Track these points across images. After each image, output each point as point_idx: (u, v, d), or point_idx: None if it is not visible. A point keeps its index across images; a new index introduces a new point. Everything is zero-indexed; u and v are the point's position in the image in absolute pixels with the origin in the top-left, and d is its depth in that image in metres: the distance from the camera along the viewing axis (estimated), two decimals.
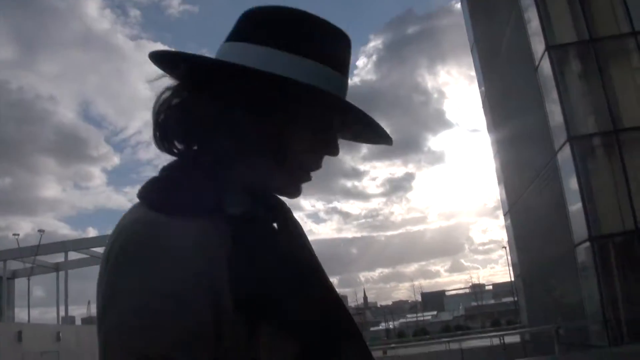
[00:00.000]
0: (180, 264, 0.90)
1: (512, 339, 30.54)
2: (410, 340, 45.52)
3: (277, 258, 1.04)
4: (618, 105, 21.17)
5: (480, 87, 35.15)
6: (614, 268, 20.17)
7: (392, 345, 34.41)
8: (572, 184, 20.77)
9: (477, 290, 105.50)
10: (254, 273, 0.96)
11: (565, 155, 21.00)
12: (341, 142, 1.21)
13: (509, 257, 36.17)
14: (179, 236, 0.92)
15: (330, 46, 1.13)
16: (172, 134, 1.09)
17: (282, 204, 1.23)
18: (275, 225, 1.17)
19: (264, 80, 1.04)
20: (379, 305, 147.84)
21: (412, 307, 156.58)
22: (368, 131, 1.22)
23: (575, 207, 20.73)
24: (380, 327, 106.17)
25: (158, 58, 1.12)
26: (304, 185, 1.19)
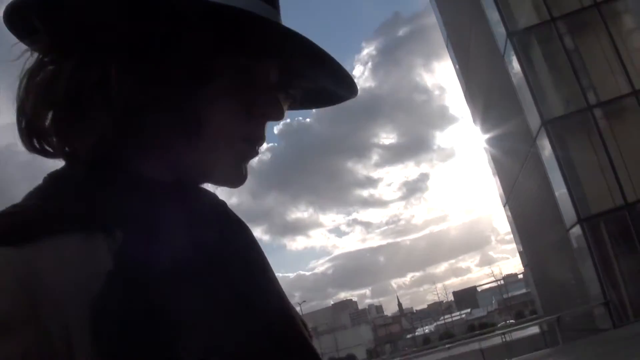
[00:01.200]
0: None
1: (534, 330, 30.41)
2: (436, 346, 45.19)
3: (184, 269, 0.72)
4: (590, 80, 20.90)
5: (459, 80, 34.94)
6: (608, 247, 19.82)
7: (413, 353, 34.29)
8: (554, 168, 20.46)
9: (509, 281, 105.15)
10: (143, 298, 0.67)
11: (543, 140, 20.71)
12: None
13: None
14: None
15: None
16: (38, 126, 0.78)
17: (215, 202, 0.86)
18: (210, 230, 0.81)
19: (146, 13, 0.73)
20: (414, 311, 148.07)
21: (447, 307, 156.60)
22: (322, 81, 0.90)
23: (561, 190, 20.44)
24: (417, 333, 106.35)
25: (13, 21, 0.80)
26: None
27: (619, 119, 20.38)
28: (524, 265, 33.58)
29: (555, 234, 22.95)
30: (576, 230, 19.99)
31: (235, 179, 0.86)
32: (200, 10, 0.74)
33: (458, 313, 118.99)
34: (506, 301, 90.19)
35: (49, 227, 0.67)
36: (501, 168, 31.58)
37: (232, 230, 0.84)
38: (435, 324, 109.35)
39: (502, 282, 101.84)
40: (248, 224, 0.87)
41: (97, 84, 0.73)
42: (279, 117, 0.87)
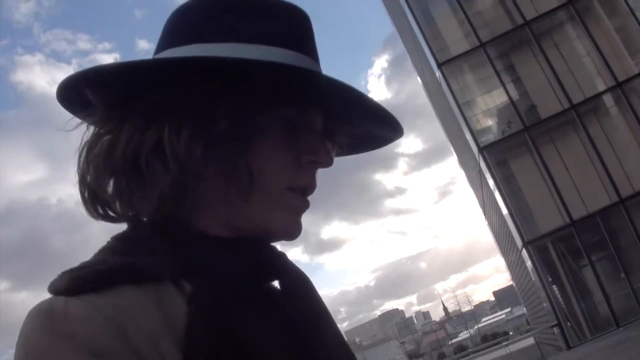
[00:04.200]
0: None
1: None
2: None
3: (262, 323, 0.77)
4: (529, 100, 20.87)
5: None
6: (558, 267, 19.71)
7: None
8: (497, 193, 20.44)
9: None
10: (221, 343, 0.71)
11: (484, 166, 20.70)
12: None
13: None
14: (73, 320, 0.66)
15: (279, 24, 0.85)
16: (101, 194, 0.80)
17: (275, 254, 0.88)
18: (273, 283, 0.87)
19: (190, 74, 0.77)
20: (462, 312, 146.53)
21: (492, 307, 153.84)
22: (368, 125, 0.91)
23: (507, 214, 20.36)
24: (460, 337, 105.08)
25: (65, 98, 0.84)
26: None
27: (560, 136, 20.27)
28: (512, 279, 33.36)
29: (514, 255, 22.90)
30: (525, 253, 19.93)
31: (290, 231, 0.86)
32: (240, 69, 0.76)
33: (502, 313, 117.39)
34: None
35: (125, 278, 0.70)
36: (473, 188, 31.48)
37: (292, 280, 0.87)
38: (476, 327, 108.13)
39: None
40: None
41: (152, 148, 0.77)
42: (327, 163, 0.86)
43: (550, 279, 19.62)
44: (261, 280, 0.84)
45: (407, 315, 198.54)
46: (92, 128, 0.83)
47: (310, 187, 0.87)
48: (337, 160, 0.91)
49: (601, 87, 19.83)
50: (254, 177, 0.79)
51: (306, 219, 0.87)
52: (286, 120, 0.82)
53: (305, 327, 0.83)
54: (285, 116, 0.82)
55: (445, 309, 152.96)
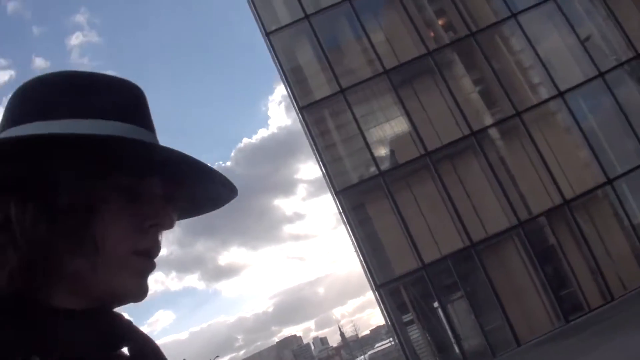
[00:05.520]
0: None
1: None
2: None
3: None
4: (387, 145, 21.37)
5: None
6: (410, 309, 20.08)
7: None
8: (352, 236, 20.72)
9: None
10: None
11: (342, 210, 20.97)
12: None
13: None
14: None
15: (114, 99, 0.88)
16: None
17: (123, 323, 0.91)
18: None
19: (27, 153, 0.78)
20: (359, 337, 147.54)
21: (387, 331, 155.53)
22: (203, 187, 0.95)
23: (362, 257, 20.64)
24: None
25: None
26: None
27: (416, 181, 20.78)
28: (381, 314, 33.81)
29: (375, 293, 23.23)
30: (378, 296, 20.21)
31: (138, 294, 0.88)
32: (72, 145, 0.79)
33: (392, 339, 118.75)
34: None
35: None
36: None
37: (139, 347, 0.89)
38: (369, 352, 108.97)
39: None
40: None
41: (0, 225, 0.78)
42: (169, 225, 0.90)
43: (403, 321, 19.93)
44: (110, 349, 0.85)
45: (305, 341, 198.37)
46: None
47: (154, 249, 0.89)
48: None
49: (457, 134, 20.43)
50: (99, 246, 0.81)
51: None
52: (126, 189, 0.85)
53: None
54: (124, 185, 0.85)
55: (342, 334, 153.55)
